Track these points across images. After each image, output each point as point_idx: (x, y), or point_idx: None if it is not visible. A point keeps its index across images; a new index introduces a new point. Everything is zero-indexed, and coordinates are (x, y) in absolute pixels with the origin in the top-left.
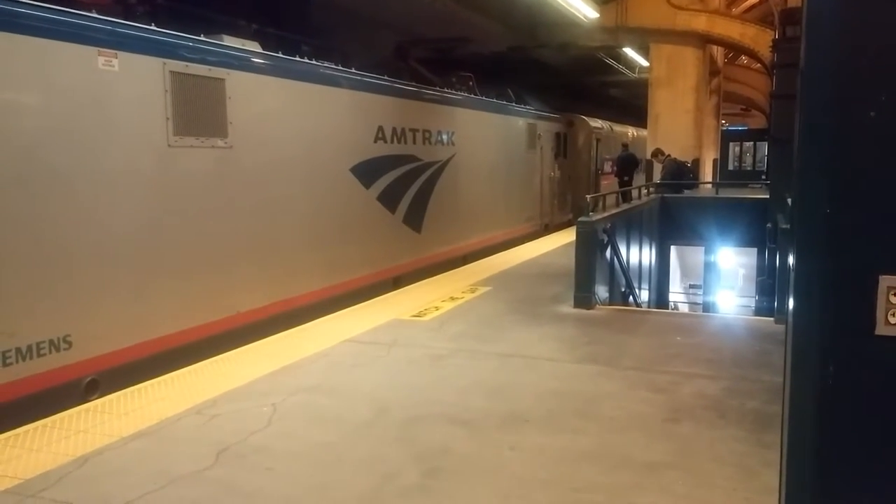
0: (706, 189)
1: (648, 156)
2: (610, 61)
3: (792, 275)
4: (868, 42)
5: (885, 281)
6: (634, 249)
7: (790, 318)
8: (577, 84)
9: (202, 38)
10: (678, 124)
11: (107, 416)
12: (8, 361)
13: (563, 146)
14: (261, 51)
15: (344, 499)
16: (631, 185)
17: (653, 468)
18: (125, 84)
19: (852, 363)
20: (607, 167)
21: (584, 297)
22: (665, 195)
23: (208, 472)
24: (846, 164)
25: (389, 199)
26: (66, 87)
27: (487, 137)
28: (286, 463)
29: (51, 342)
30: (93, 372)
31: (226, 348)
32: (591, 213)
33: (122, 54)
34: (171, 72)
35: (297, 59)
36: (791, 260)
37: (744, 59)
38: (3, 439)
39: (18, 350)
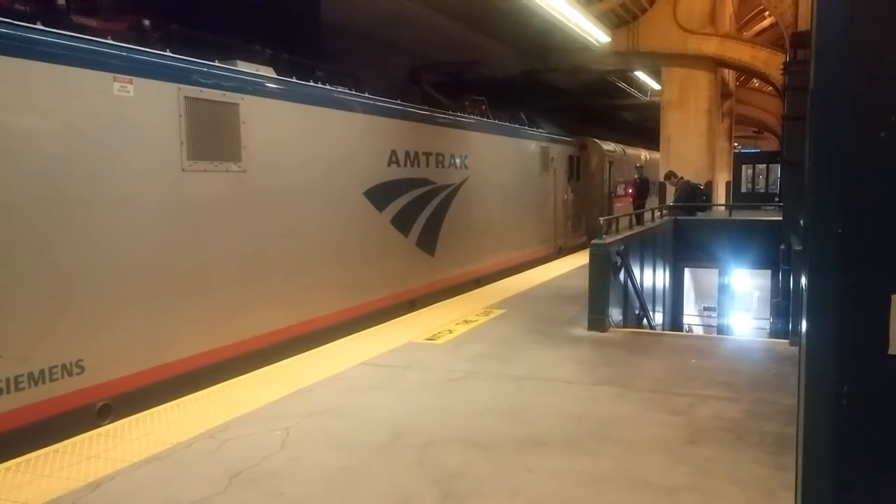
0: (719, 211)
1: (661, 178)
2: (622, 85)
3: (805, 294)
4: (878, 63)
5: None
6: (648, 272)
7: (804, 338)
8: (589, 107)
9: (216, 63)
10: (691, 147)
11: (119, 440)
12: (21, 386)
13: (577, 169)
14: (274, 76)
15: None
16: (643, 209)
17: (672, 491)
18: (140, 109)
19: (866, 383)
20: (620, 190)
21: (597, 320)
22: (678, 217)
23: (220, 497)
24: (857, 183)
25: (403, 222)
26: (82, 113)
27: (500, 161)
28: (300, 487)
29: (63, 367)
30: (105, 396)
31: (241, 372)
32: (604, 236)
33: (138, 80)
34: (185, 97)
35: (311, 83)
36: (804, 280)
37: (755, 83)
38: (14, 465)
39: (31, 375)
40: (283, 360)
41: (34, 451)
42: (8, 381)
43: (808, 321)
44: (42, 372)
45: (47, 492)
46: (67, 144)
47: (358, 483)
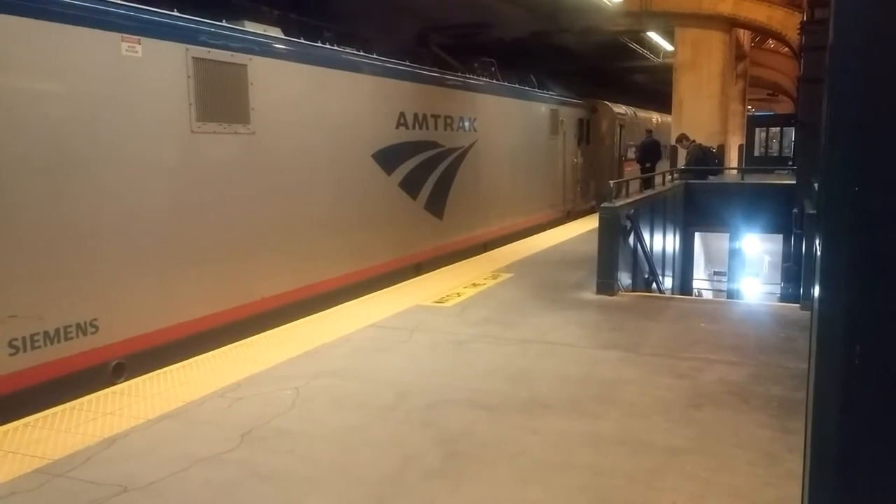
0: (731, 175)
1: (672, 141)
2: (634, 46)
3: (818, 253)
4: None
5: None
6: (658, 236)
7: (816, 299)
8: (600, 69)
9: (224, 23)
10: (703, 110)
11: (133, 398)
12: (36, 345)
13: (587, 132)
14: (283, 36)
15: (366, 481)
16: (654, 172)
17: (674, 453)
18: (148, 70)
19: (879, 342)
20: (631, 153)
21: (606, 284)
22: (689, 181)
23: (232, 454)
24: (874, 141)
25: (411, 185)
26: (90, 74)
27: (509, 123)
28: (309, 445)
29: (78, 326)
30: (119, 355)
31: (250, 333)
32: (614, 199)
33: (146, 40)
34: (193, 58)
35: (319, 44)
36: (818, 240)
37: (771, 43)
38: (31, 421)
39: (46, 333)
40: (291, 321)
41: (51, 407)
42: (24, 339)
43: (821, 281)
44: (57, 331)
45: (65, 446)
46: (75, 106)
47: (365, 442)
